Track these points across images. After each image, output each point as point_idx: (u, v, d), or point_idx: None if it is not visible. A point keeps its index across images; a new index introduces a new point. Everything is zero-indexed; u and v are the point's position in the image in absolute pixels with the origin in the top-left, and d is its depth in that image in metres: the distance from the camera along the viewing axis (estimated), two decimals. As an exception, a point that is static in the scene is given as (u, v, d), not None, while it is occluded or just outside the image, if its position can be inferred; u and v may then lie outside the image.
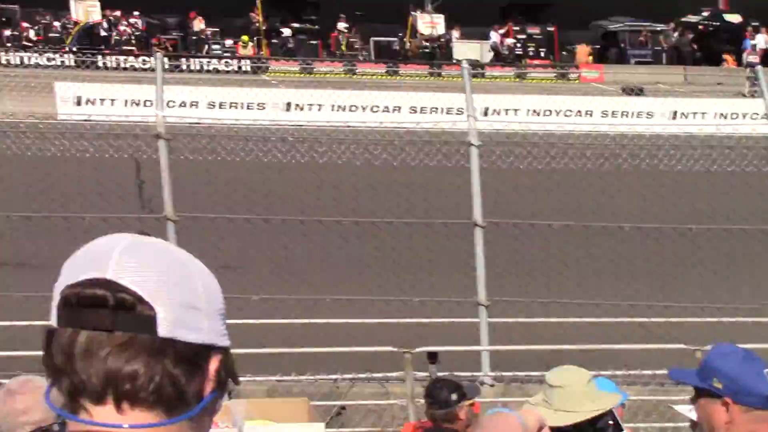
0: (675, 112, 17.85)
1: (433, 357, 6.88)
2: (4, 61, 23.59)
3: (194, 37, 27.33)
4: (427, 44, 27.97)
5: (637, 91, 20.21)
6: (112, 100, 16.28)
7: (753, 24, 28.97)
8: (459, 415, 4.16)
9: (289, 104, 17.52)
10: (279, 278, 8.85)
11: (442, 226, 8.82)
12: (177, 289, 0.81)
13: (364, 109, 17.26)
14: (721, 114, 17.68)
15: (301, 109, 17.50)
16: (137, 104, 15.25)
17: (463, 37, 28.01)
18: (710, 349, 2.35)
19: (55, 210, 8.72)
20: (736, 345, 2.34)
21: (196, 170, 10.39)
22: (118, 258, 0.79)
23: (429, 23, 28.17)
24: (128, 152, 10.57)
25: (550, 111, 16.89)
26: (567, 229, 9.32)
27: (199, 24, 27.60)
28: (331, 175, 10.87)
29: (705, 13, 30.65)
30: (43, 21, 27.15)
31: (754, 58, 25.32)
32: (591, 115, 17.18)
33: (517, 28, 29.09)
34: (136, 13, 27.18)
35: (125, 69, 23.27)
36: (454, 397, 4.17)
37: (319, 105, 17.83)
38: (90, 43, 25.66)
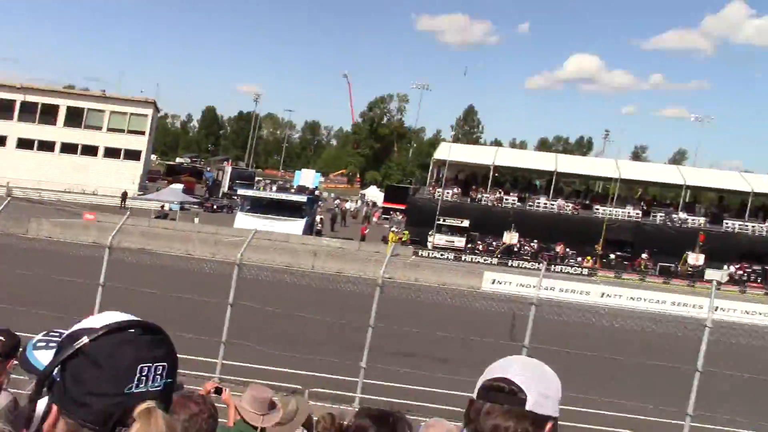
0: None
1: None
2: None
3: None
4: (691, 269, 46.02)
5: None
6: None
7: None
8: None
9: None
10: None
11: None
12: (540, 384, 1.41)
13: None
14: None
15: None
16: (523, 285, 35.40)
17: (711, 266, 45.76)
18: None
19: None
20: None
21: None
22: (514, 368, 1.45)
23: (695, 258, 46.47)
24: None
25: (759, 312, 34.15)
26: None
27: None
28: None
29: None
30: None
31: None
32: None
33: (746, 266, 46.06)
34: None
35: (525, 268, 44.77)
36: None
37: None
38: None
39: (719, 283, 40.51)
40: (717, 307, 29.65)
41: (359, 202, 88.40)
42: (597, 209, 51.25)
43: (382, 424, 2.67)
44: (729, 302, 33.22)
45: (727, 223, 49.63)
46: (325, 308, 16.88)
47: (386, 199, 78.34)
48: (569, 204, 52.29)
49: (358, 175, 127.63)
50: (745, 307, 33.61)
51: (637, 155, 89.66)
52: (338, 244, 43.68)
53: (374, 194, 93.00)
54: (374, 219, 68.04)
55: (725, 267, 44.29)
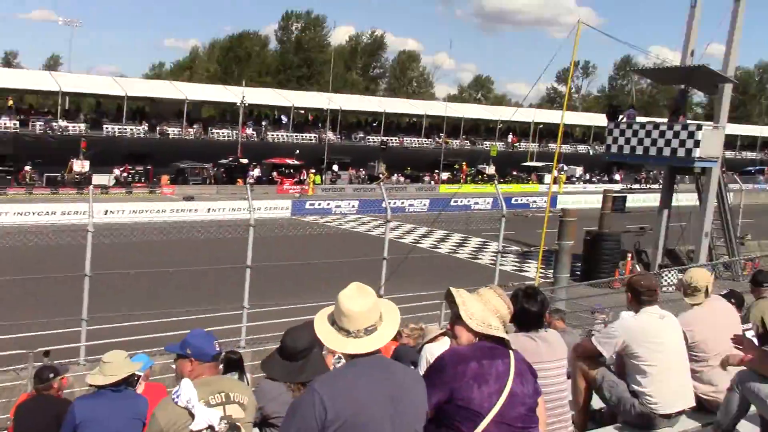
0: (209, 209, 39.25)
1: (47, 354, 9.66)
2: None
3: None
4: (77, 176, 46.38)
5: (189, 198, 41.50)
6: None
7: (252, 164, 52.39)
8: (54, 386, 5.86)
9: None
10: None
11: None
12: None
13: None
14: (232, 207, 39.79)
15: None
16: None
17: (97, 172, 47.11)
18: (189, 332, 3.57)
19: None
20: (202, 329, 3.67)
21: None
22: None
23: (80, 165, 46.71)
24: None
25: (146, 210, 36.65)
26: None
27: None
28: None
29: (230, 158, 52.62)
30: None
31: (250, 181, 49.10)
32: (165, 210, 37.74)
33: (129, 167, 47.53)
34: None
35: None
36: (51, 375, 5.88)
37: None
38: None
39: (105, 187, 42.33)
40: (107, 211, 30.86)
41: None
42: (-35, 122, 46.62)
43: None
44: (118, 204, 34.85)
45: (107, 128, 51.10)
46: None
47: None
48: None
49: None
50: (132, 207, 35.78)
51: (9, 62, 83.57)
52: None
53: None
54: None
55: (111, 171, 45.86)
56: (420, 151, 62.20)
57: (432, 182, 57.58)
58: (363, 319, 2.66)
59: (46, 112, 52.96)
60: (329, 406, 2.50)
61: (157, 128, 53.33)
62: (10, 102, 51.80)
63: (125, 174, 46.15)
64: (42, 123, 48.91)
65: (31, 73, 60.20)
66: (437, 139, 63.99)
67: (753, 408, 4.06)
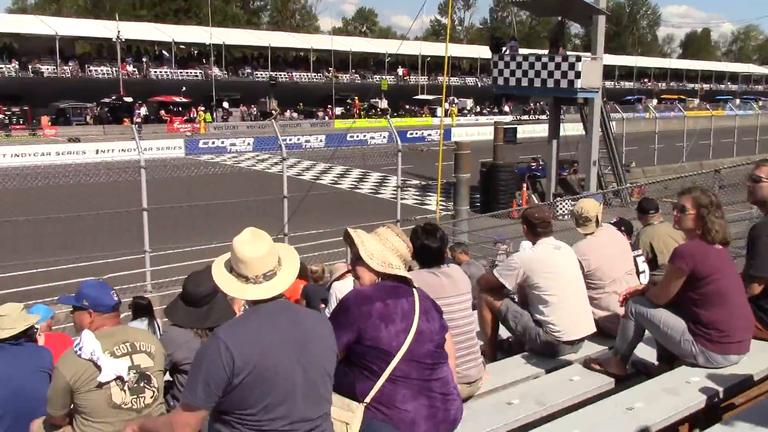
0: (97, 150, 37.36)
1: None
2: None
3: None
4: None
5: (75, 140, 39.46)
6: None
7: (138, 102, 50.03)
8: None
9: None
10: None
11: None
12: None
13: None
14: (121, 149, 38.13)
15: None
16: None
17: None
18: (82, 282, 3.50)
19: None
20: (95, 279, 3.63)
21: None
22: None
23: None
24: None
25: (29, 154, 34.48)
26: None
27: None
28: None
29: (113, 97, 49.47)
30: None
31: (138, 120, 47.10)
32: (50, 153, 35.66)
33: (4, 108, 44.61)
34: None
35: None
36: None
37: None
38: None
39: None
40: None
41: None
42: None
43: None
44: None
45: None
46: None
47: None
48: None
49: None
50: (13, 150, 33.98)
51: None
52: None
53: None
54: None
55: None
56: (310, 86, 61.53)
57: (326, 118, 57.44)
58: (260, 265, 2.59)
59: None
60: (236, 353, 2.44)
61: (29, 66, 49.99)
62: None
63: (1, 116, 43.23)
64: None
65: None
66: (326, 73, 63.55)
67: (648, 333, 4.24)
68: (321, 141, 43.50)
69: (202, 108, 49.90)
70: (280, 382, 2.52)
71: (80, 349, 3.19)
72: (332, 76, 62.03)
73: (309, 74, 63.48)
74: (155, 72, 55.41)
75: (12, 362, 4.03)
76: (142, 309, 6.29)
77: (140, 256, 12.76)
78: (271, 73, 59.76)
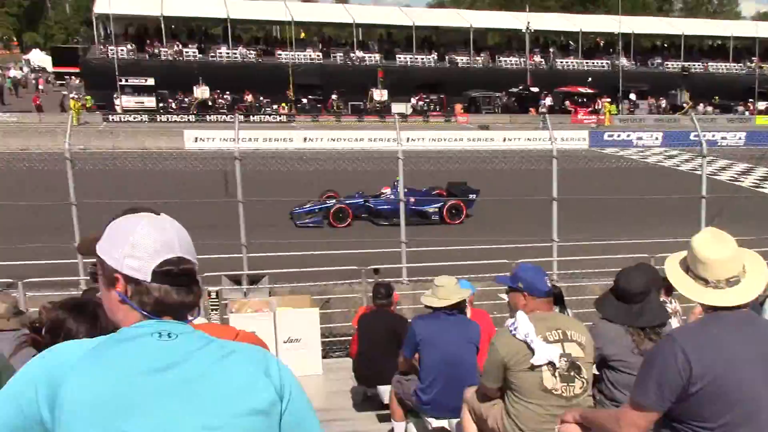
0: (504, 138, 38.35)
1: (377, 271, 10.27)
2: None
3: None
4: (378, 105, 47.88)
5: (484, 127, 41.51)
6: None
7: (543, 93, 49.87)
8: (393, 301, 6.73)
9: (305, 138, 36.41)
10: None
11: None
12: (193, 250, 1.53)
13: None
14: (527, 138, 38.83)
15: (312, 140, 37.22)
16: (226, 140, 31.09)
17: (395, 101, 48.39)
18: (519, 264, 3.78)
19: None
20: (529, 263, 3.83)
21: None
22: (178, 242, 1.50)
23: (379, 94, 48.83)
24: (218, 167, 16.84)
25: (444, 139, 37.06)
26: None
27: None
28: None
29: (520, 87, 50.89)
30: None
31: (543, 110, 47.07)
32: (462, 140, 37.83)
33: (424, 96, 49.48)
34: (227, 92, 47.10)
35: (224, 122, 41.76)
36: (386, 292, 6.60)
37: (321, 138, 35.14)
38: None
39: (404, 115, 43.60)
40: (408, 138, 31.97)
41: (25, 68, 75.90)
42: (280, 54, 50.56)
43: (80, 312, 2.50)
44: (417, 132, 35.40)
45: (399, 57, 52.59)
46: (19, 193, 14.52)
47: (55, 63, 68.92)
48: (251, 51, 50.85)
49: (14, 39, 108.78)
50: (431, 135, 36.39)
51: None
52: (14, 118, 38.70)
53: (40, 58, 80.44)
54: (40, 86, 59.60)
55: (407, 100, 47.20)
56: (728, 78, 55.70)
57: (746, 113, 51.40)
58: (723, 269, 2.35)
59: (344, 43, 55.81)
60: (694, 360, 2.25)
61: (446, 57, 53.62)
62: (303, 35, 55.21)
63: (420, 103, 47.16)
64: (341, 54, 51.61)
65: (327, 6, 63.71)
66: (749, 63, 56.71)
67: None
68: (740, 139, 39.04)
69: (608, 99, 48.41)
70: (744, 400, 2.27)
71: (515, 329, 3.25)
72: (756, 67, 55.07)
73: (727, 64, 57.31)
74: (561, 62, 55.28)
75: (447, 330, 4.58)
76: (554, 297, 6.02)
77: (548, 245, 12.40)
78: (683, 63, 55.35)
